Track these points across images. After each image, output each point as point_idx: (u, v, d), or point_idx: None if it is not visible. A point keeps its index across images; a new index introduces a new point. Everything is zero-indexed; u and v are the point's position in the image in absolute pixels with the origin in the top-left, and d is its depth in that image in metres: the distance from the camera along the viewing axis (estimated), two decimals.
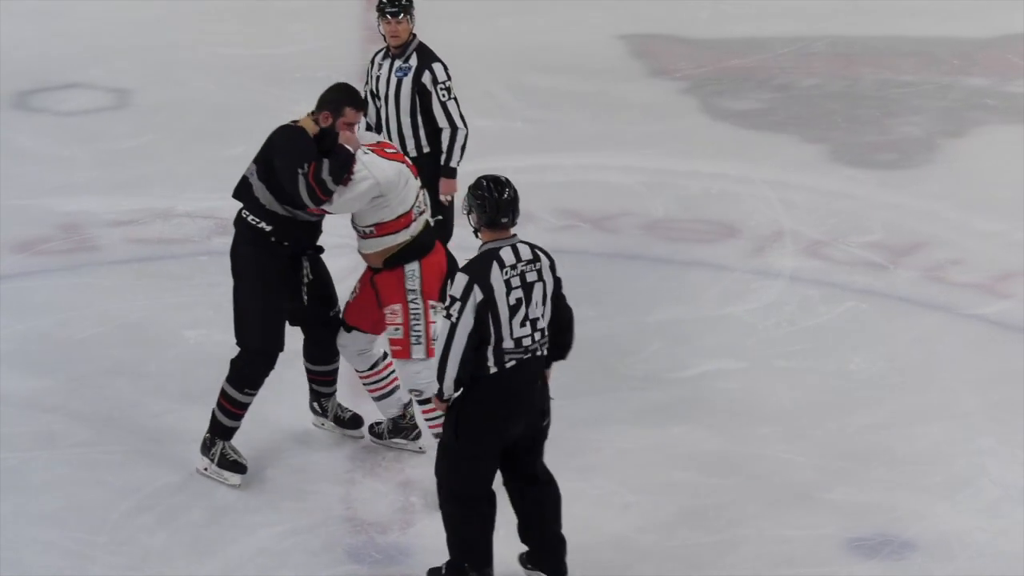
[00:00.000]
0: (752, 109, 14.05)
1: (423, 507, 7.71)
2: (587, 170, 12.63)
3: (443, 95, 9.14)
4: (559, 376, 7.15)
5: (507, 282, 6.55)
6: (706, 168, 12.50)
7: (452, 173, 9.18)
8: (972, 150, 12.92)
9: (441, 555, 6.84)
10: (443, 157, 9.14)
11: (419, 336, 7.73)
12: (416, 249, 8.20)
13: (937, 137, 13.29)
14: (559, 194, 11.66)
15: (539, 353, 6.72)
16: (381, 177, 7.99)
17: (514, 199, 6.67)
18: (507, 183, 6.73)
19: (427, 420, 7.83)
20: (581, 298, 7.69)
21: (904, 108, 13.97)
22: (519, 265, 6.62)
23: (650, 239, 11.28)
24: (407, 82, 9.09)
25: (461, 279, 6.59)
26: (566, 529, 6.79)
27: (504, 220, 6.63)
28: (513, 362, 6.61)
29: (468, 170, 8.38)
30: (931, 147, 13.13)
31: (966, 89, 14.40)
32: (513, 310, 6.58)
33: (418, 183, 8.33)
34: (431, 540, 7.12)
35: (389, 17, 8.95)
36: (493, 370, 6.61)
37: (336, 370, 8.25)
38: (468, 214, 6.65)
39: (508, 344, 6.52)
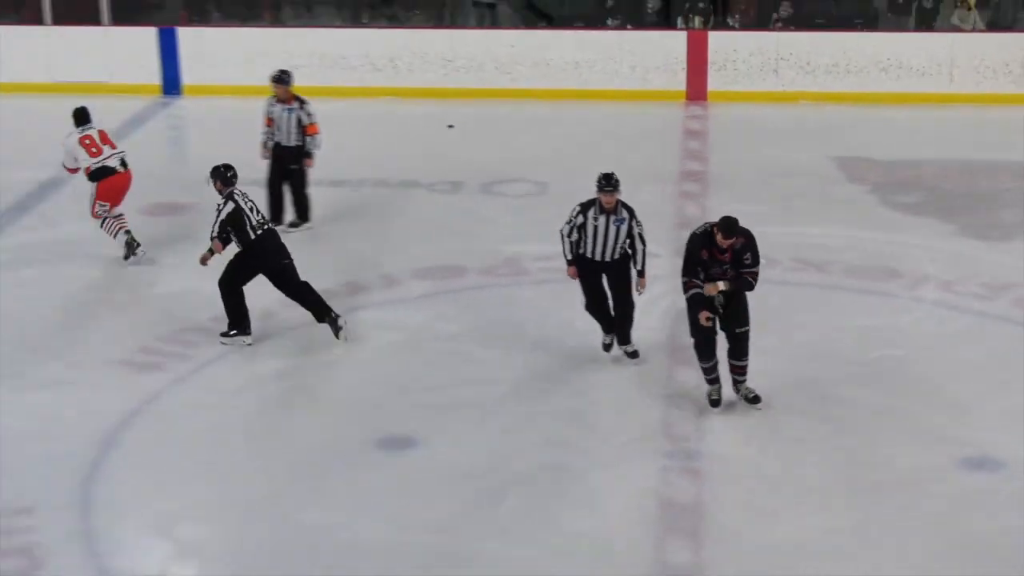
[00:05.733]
0: (912, 203, 16.08)
1: None
2: (818, 236, 14.96)
3: (639, 230, 10.94)
4: None
5: None
6: (882, 237, 14.89)
7: (641, 274, 11.08)
8: None
9: None
10: (641, 263, 11.00)
11: None
12: None
13: None
14: (797, 252, 14.23)
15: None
16: None
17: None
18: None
19: None
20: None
21: (1004, 204, 15.98)
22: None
23: (847, 278, 13.75)
24: (623, 228, 10.87)
25: None
26: None
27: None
28: None
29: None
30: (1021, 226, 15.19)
31: None
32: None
33: None
34: None
35: (607, 192, 10.72)
36: None
37: None
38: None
39: None
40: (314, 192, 15.65)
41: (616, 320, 11.20)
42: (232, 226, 11.97)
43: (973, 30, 20.46)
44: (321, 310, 12.31)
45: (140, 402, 11.11)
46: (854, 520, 9.33)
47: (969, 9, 20.46)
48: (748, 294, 10.20)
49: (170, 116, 20.01)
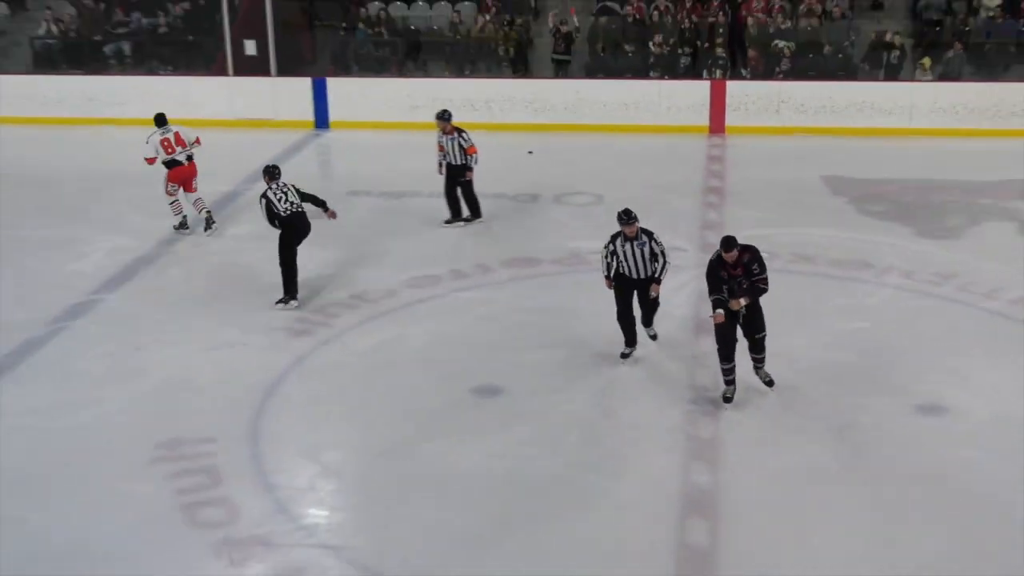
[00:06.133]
0: (880, 211, 15.75)
1: None
2: (808, 236, 14.64)
3: (660, 248, 10.32)
4: None
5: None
6: (845, 235, 14.72)
7: (658, 281, 10.46)
8: (982, 232, 15.10)
9: None
10: (659, 273, 10.40)
11: None
12: None
13: (968, 227, 15.18)
14: (793, 248, 13.95)
15: None
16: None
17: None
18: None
19: None
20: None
21: (950, 212, 15.72)
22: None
23: (830, 268, 13.56)
24: (646, 250, 10.29)
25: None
26: None
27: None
28: None
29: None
30: (965, 231, 15.06)
31: (982, 206, 16.03)
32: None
33: None
34: None
35: (628, 224, 10.20)
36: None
37: None
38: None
39: None
40: (414, 201, 15.97)
41: (643, 312, 10.88)
42: (267, 214, 12.27)
43: (928, 81, 20.43)
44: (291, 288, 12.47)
45: (294, 360, 11.22)
46: (833, 453, 9.41)
47: (925, 67, 20.39)
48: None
49: (320, 145, 20.08)
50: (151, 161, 14.46)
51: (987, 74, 20.53)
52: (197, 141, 14.76)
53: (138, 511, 8.51)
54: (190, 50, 22.22)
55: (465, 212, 15.25)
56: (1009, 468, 9.01)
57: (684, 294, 12.41)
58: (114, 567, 7.92)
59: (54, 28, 22.38)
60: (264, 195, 12.27)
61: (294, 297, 12.46)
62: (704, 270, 9.93)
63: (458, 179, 14.90)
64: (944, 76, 20.25)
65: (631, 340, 10.85)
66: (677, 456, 9.33)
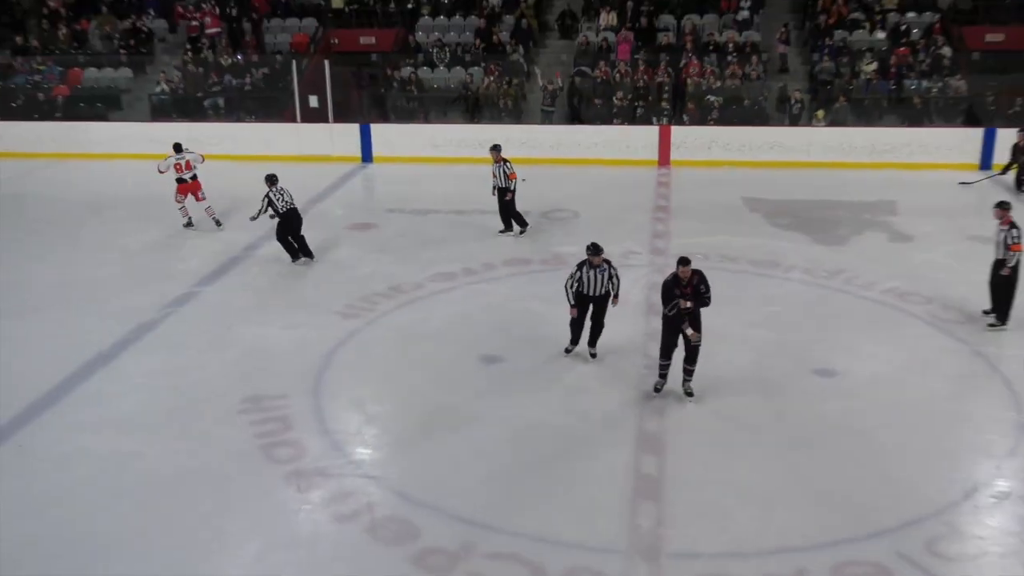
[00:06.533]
0: (786, 224, 15.47)
1: None
2: (732, 243, 14.10)
3: (615, 272, 9.80)
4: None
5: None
6: (760, 241, 14.45)
7: (615, 298, 9.88)
8: (863, 240, 14.72)
9: None
10: (615, 290, 9.82)
11: None
12: None
13: (852, 236, 14.85)
14: (721, 251, 13.55)
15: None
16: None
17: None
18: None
19: None
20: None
21: (839, 225, 15.41)
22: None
23: (749, 266, 13.28)
24: (605, 275, 9.76)
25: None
26: None
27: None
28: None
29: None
30: (849, 239, 14.71)
31: (862, 220, 15.59)
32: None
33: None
34: None
35: (595, 255, 9.62)
36: None
37: None
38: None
39: None
40: (436, 216, 15.80)
41: (591, 330, 10.18)
42: (270, 208, 12.91)
43: (821, 126, 20.20)
44: (307, 252, 13.35)
45: (346, 335, 11.17)
46: (751, 401, 9.41)
47: (819, 117, 20.23)
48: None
49: (365, 175, 19.81)
50: (162, 173, 14.96)
51: (865, 121, 20.34)
52: (202, 159, 15.29)
53: (228, 449, 8.52)
54: (268, 103, 22.09)
55: (515, 227, 14.79)
56: (879, 413, 9.13)
57: (639, 286, 12.25)
58: (210, 492, 7.94)
59: (166, 87, 22.41)
60: (267, 195, 12.88)
61: (298, 257, 13.28)
62: (651, 270, 9.98)
63: (503, 199, 14.54)
64: (833, 123, 20.09)
65: (575, 341, 10.29)
66: (632, 393, 9.39)
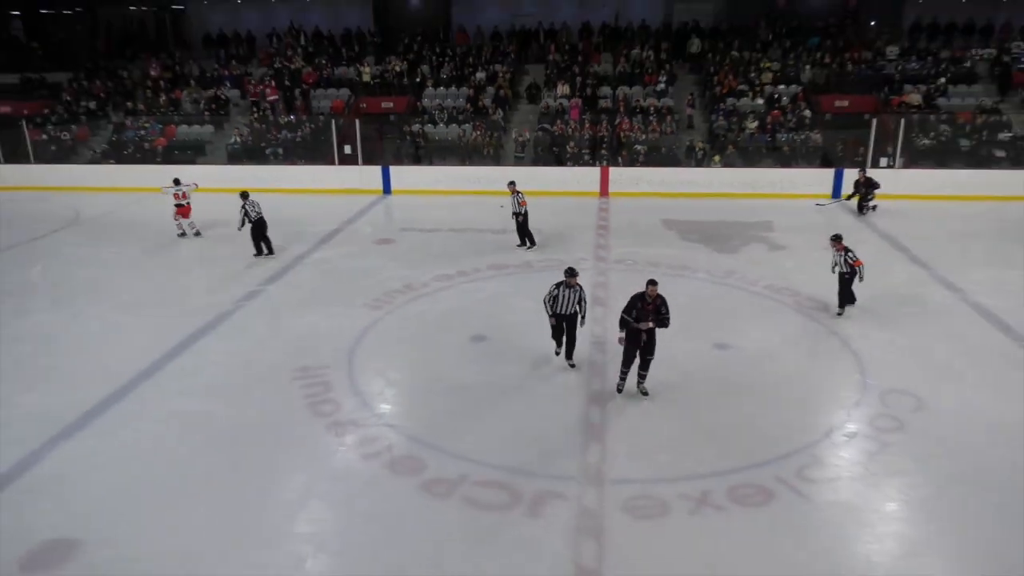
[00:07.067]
0: (695, 238, 14.91)
1: None
2: (653, 253, 13.58)
3: (584, 295, 8.67)
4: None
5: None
6: (675, 251, 13.84)
7: (583, 320, 8.69)
8: (750, 249, 13.92)
9: None
10: (582, 312, 8.64)
11: None
12: None
13: (741, 246, 14.35)
14: (647, 259, 13.22)
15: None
16: None
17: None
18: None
19: None
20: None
21: (733, 237, 14.85)
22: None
23: (667, 269, 12.63)
24: (578, 294, 8.67)
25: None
26: None
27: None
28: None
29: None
30: (740, 248, 14.11)
31: (749, 235, 15.00)
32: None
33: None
34: None
35: (571, 277, 8.56)
36: None
37: None
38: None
39: None
40: (439, 235, 15.27)
41: (566, 344, 9.04)
42: (246, 216, 12.82)
43: (717, 167, 19.87)
44: (270, 250, 13.07)
45: (372, 321, 10.84)
46: (667, 372, 8.97)
47: (716, 161, 19.93)
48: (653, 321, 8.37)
49: (386, 203, 19.25)
50: (162, 194, 14.85)
51: (749, 164, 20.14)
52: (195, 186, 15.01)
53: (284, 406, 8.32)
54: (314, 151, 21.53)
55: (528, 243, 14.14)
56: (762, 376, 8.91)
57: (587, 286, 11.66)
58: (271, 438, 7.78)
59: (239, 139, 22.01)
60: (243, 207, 12.85)
61: (262, 252, 13.02)
62: (595, 272, 9.51)
63: (518, 220, 13.95)
64: (726, 165, 19.85)
65: (560, 345, 9.26)
66: (586, 369, 9.04)
